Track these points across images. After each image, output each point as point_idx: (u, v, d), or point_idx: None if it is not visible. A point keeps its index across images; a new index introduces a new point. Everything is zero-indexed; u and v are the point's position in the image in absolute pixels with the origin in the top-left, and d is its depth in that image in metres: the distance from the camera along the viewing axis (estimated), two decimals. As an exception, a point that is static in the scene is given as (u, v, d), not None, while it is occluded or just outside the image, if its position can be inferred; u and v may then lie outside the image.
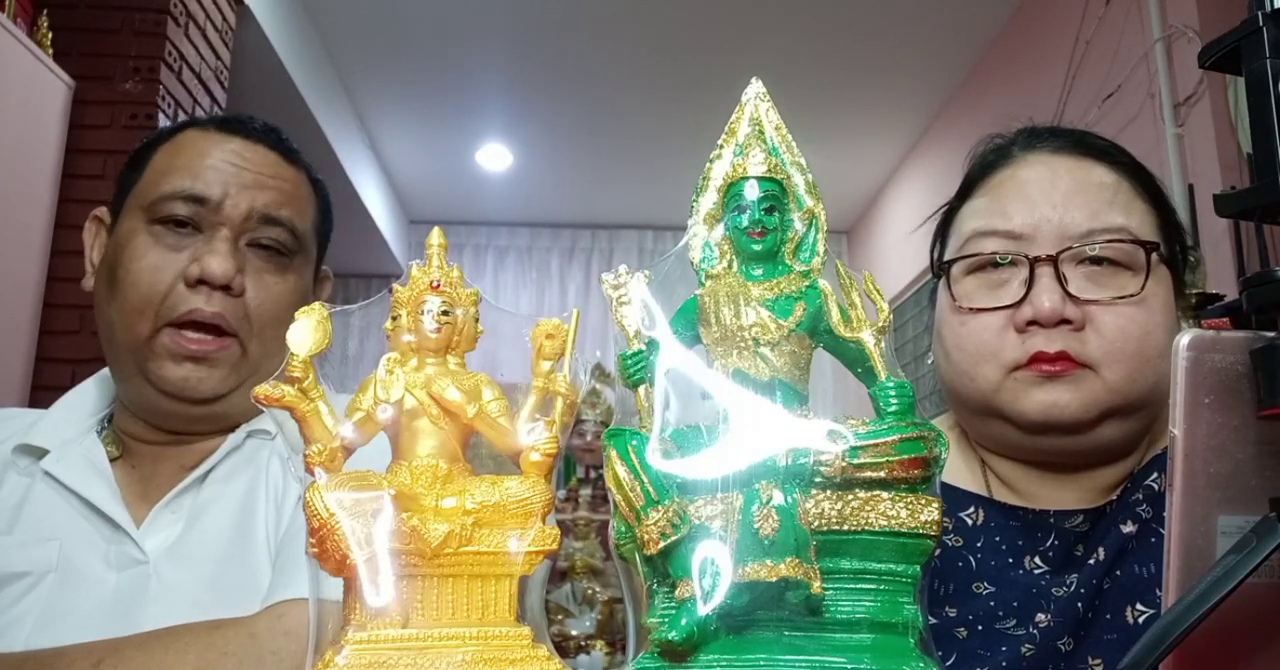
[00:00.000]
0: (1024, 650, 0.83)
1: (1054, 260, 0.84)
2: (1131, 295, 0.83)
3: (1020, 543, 0.88)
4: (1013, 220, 0.87)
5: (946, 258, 0.92)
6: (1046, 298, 0.82)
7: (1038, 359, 0.82)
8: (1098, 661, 0.83)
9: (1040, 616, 0.84)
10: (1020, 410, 0.84)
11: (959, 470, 0.95)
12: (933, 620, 0.84)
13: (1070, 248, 0.84)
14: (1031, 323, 0.83)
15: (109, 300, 0.98)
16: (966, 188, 0.95)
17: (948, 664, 0.84)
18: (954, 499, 0.92)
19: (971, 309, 0.87)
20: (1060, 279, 0.84)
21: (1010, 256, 0.86)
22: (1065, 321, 0.83)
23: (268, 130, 1.06)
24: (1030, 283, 0.84)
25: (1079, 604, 0.84)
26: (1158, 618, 0.83)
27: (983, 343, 0.86)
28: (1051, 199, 0.86)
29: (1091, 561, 0.85)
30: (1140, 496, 0.87)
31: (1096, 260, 0.85)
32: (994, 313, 0.86)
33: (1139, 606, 0.83)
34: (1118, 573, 0.85)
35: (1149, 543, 0.85)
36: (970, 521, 0.90)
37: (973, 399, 0.88)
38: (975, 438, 0.94)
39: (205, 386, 0.96)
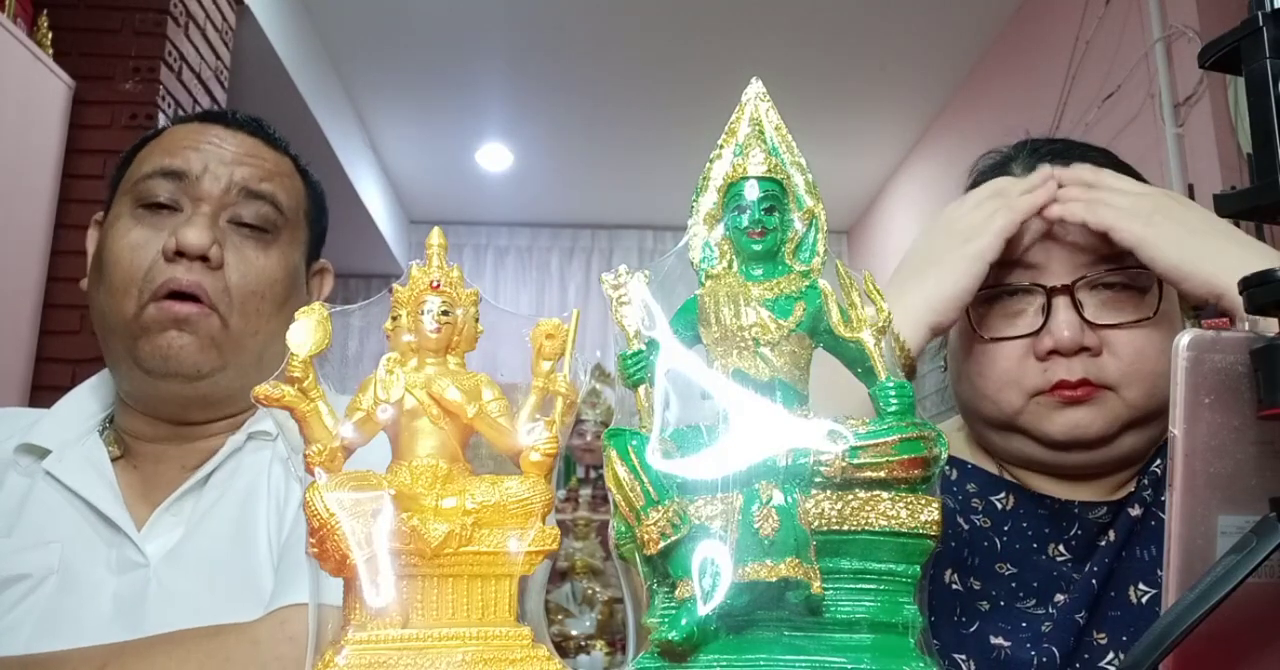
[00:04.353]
0: (1044, 628, 0.85)
1: (1070, 289, 0.86)
2: (1147, 318, 0.85)
3: (1046, 530, 0.91)
4: (1024, 249, 0.88)
5: None
6: (1066, 329, 0.84)
7: (1061, 386, 0.85)
8: (1102, 635, 0.85)
9: (1059, 597, 0.87)
10: (1044, 431, 0.87)
11: (985, 464, 0.97)
12: (957, 587, 0.88)
13: (1083, 277, 0.86)
14: (1052, 352, 0.85)
15: (98, 285, 0.99)
16: None
17: (970, 630, 0.87)
18: (986, 482, 0.94)
19: (992, 339, 0.89)
20: (1076, 306, 0.85)
21: (1026, 287, 0.88)
22: (1084, 348, 0.85)
23: (250, 120, 1.07)
24: (1047, 312, 0.86)
25: (1094, 581, 0.86)
26: (1158, 598, 0.85)
27: (1004, 371, 0.88)
28: (1062, 225, 0.87)
29: (1103, 543, 0.88)
30: (1145, 481, 0.89)
31: (1109, 284, 0.87)
32: (1013, 342, 0.88)
33: (1141, 586, 0.86)
34: (1123, 554, 0.87)
35: (1149, 525, 0.87)
36: (1000, 506, 0.92)
37: (995, 419, 0.91)
38: (995, 453, 0.96)
39: (186, 354, 0.95)
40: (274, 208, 1.01)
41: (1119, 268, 0.86)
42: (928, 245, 0.89)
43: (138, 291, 0.95)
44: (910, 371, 0.86)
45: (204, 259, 0.95)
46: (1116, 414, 0.85)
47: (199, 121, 1.04)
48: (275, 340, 1.00)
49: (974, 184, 0.96)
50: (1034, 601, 0.87)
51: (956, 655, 0.86)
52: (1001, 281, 0.89)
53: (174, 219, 0.97)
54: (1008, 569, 0.89)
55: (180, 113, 2.76)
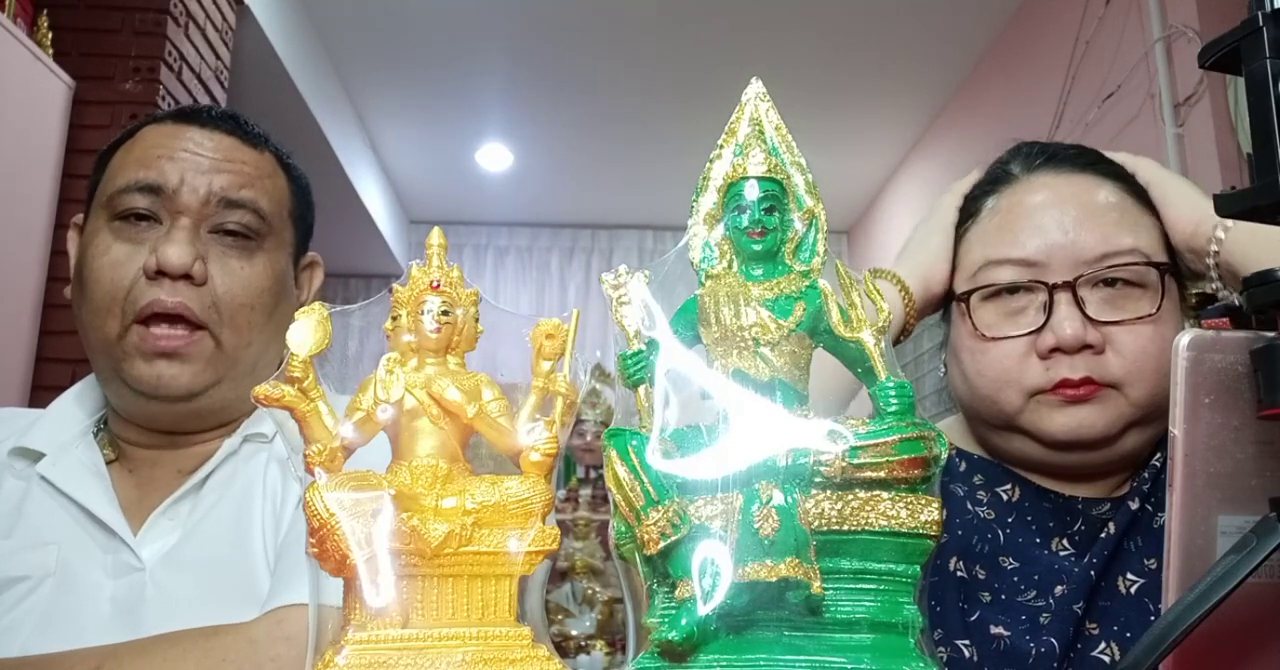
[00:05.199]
0: (1042, 619, 0.86)
1: (1071, 286, 0.86)
2: (1149, 315, 0.85)
3: (1050, 524, 0.91)
4: (1025, 247, 0.88)
5: (960, 286, 0.94)
6: (1068, 325, 0.84)
7: (1064, 385, 0.85)
8: (1094, 626, 0.85)
9: (1059, 588, 0.87)
10: (1045, 430, 0.86)
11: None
12: (961, 574, 0.89)
13: (1085, 274, 0.86)
14: (1054, 350, 0.85)
15: (80, 302, 0.97)
16: (970, 208, 0.97)
17: (972, 618, 0.87)
18: (994, 474, 0.94)
19: (993, 337, 0.89)
20: (1078, 303, 0.85)
21: (1027, 284, 0.88)
22: (1087, 346, 0.84)
23: (226, 116, 1.03)
24: (1049, 309, 0.86)
25: (1091, 572, 0.86)
26: (1146, 587, 0.85)
27: (1005, 370, 0.88)
28: (1062, 224, 0.88)
29: (1103, 536, 0.88)
30: (1145, 474, 0.90)
31: (1110, 281, 0.87)
32: (1014, 340, 0.87)
33: (1129, 576, 0.86)
34: (1118, 546, 0.88)
35: (1142, 516, 0.88)
36: (1006, 497, 0.93)
37: (995, 419, 0.91)
38: (996, 453, 0.96)
39: (179, 383, 0.93)
40: (256, 215, 0.98)
41: (1120, 264, 0.86)
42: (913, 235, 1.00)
43: (120, 311, 0.93)
44: (909, 326, 0.92)
45: (187, 276, 0.93)
46: (1120, 413, 0.85)
47: (173, 122, 1.00)
48: (269, 348, 0.99)
49: (975, 189, 0.98)
50: (1034, 594, 0.88)
51: (959, 641, 0.86)
52: (1002, 279, 0.89)
53: (154, 232, 0.95)
54: (1010, 563, 0.90)
55: (180, 113, 2.75)
